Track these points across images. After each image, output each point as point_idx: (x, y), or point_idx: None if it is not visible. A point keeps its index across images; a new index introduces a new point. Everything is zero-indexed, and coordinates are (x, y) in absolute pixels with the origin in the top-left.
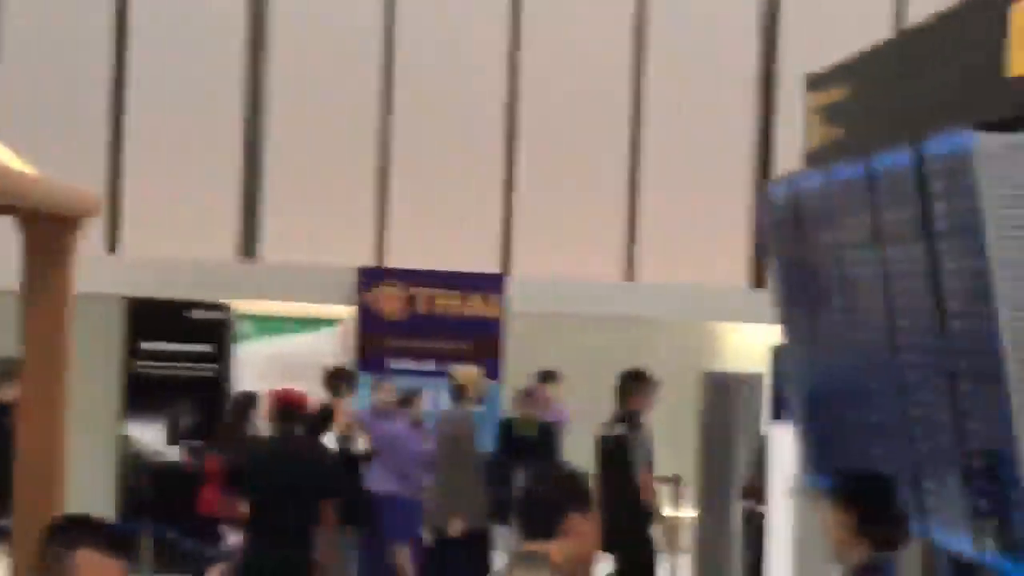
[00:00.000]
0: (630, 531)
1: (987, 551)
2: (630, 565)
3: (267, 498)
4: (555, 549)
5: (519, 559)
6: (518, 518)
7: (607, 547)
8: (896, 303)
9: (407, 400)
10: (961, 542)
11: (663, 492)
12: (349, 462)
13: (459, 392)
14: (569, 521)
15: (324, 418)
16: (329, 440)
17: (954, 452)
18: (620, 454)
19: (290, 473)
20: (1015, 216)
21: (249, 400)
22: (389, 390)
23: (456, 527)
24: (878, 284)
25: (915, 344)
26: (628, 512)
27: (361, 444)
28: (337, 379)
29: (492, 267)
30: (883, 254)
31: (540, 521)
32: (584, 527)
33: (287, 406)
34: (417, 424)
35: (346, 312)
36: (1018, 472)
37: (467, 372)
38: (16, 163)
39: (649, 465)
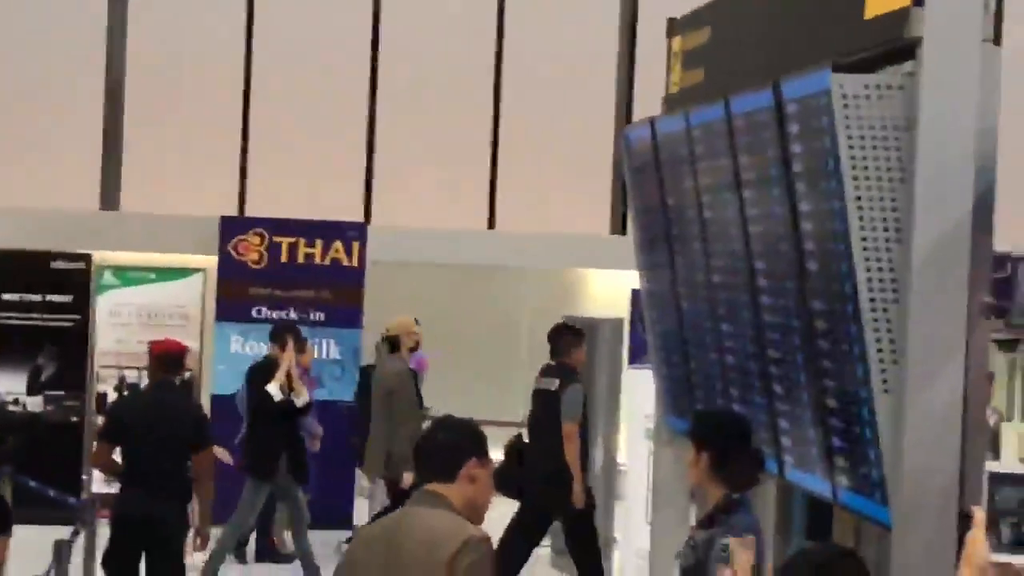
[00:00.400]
0: (563, 485)
1: (840, 490)
2: (571, 519)
3: (141, 448)
4: (454, 491)
5: (421, 498)
6: (419, 461)
7: (544, 502)
8: (754, 246)
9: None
10: (816, 481)
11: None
12: (291, 414)
13: (393, 343)
14: (468, 466)
15: (267, 369)
16: (273, 391)
17: (809, 392)
18: (553, 409)
19: (164, 424)
20: (871, 157)
21: None
22: None
23: (408, 479)
24: (737, 227)
25: (773, 286)
26: (560, 466)
27: (302, 397)
28: (283, 332)
29: (354, 216)
30: (742, 197)
31: (441, 464)
32: (481, 473)
33: (167, 355)
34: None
35: (208, 261)
36: (870, 411)
37: (400, 322)
38: None
39: (575, 419)
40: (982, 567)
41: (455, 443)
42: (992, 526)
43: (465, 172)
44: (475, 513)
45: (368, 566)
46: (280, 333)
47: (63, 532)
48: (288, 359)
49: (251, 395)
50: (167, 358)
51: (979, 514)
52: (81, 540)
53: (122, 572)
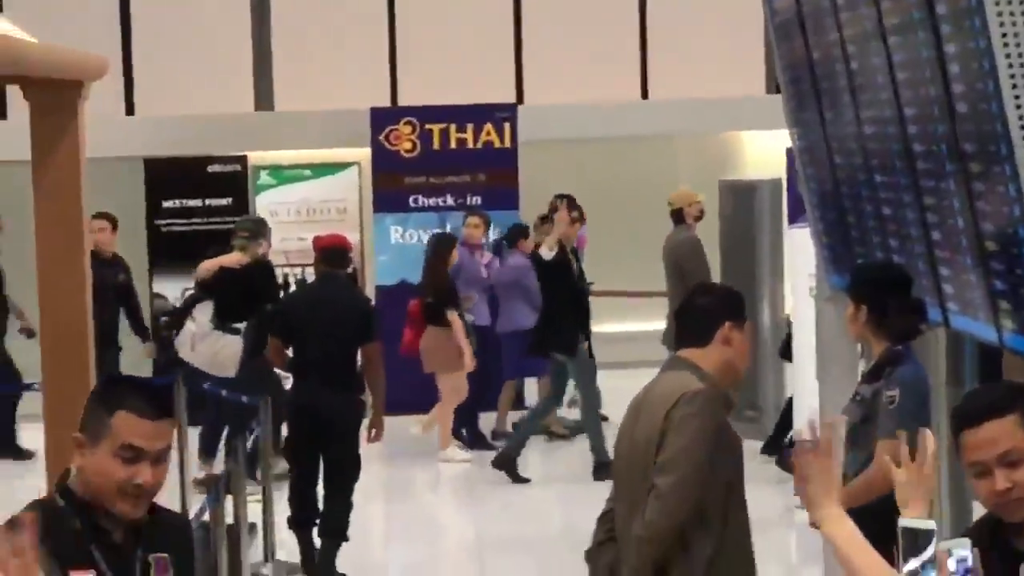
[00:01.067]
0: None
1: (1006, 333)
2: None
3: (310, 341)
4: (707, 354)
5: (670, 363)
6: (678, 328)
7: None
8: (903, 93)
9: (520, 234)
10: (981, 327)
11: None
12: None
13: (677, 215)
14: (723, 329)
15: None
16: (544, 253)
17: (968, 236)
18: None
19: (332, 317)
20: None
21: None
22: (477, 224)
23: None
24: (884, 76)
25: (924, 132)
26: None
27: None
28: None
29: (506, 98)
30: (887, 44)
31: (695, 329)
32: (736, 335)
33: (331, 249)
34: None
35: (362, 154)
36: None
37: (681, 193)
38: (16, 33)
39: None
40: None
41: (708, 307)
42: None
43: (614, 43)
44: (733, 374)
45: (624, 429)
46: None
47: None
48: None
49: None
50: (331, 252)
51: None
52: (257, 438)
53: (300, 462)
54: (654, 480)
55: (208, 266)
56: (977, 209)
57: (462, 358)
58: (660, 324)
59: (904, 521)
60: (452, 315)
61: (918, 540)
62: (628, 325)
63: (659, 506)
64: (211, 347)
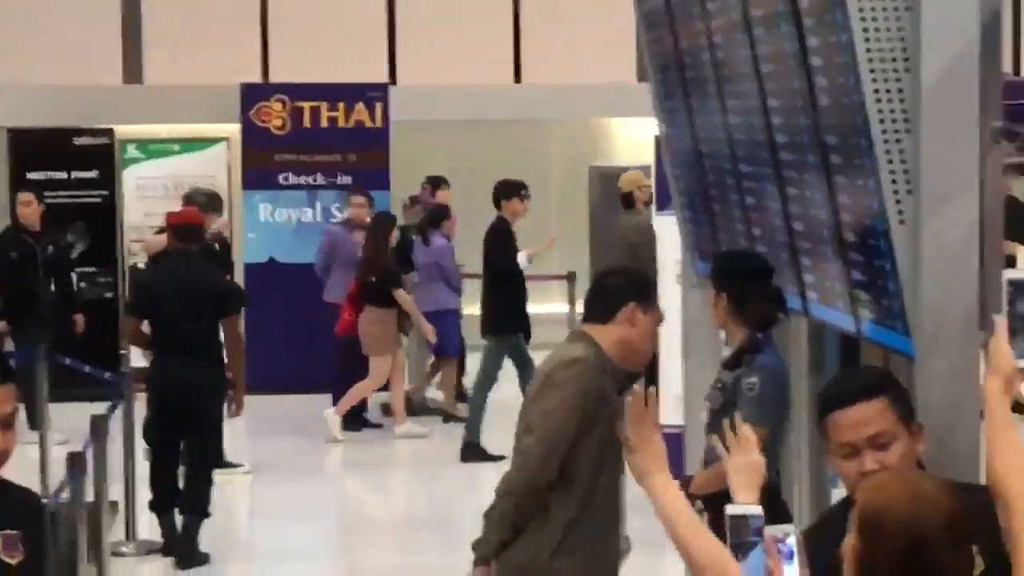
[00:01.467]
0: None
1: (864, 322)
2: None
3: (167, 318)
4: (607, 331)
5: (572, 336)
6: (585, 303)
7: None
8: (767, 84)
9: (443, 216)
10: (840, 316)
11: (559, 289)
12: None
13: (626, 199)
14: (627, 309)
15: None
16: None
17: (828, 227)
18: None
19: (188, 292)
20: None
21: None
22: (362, 203)
23: None
24: (749, 66)
25: (787, 124)
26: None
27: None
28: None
29: (377, 78)
30: (752, 36)
31: (599, 306)
32: (643, 318)
33: (182, 226)
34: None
35: (232, 130)
36: (888, 243)
37: (629, 177)
38: None
39: None
40: (1008, 373)
41: (616, 286)
42: (1015, 334)
43: (488, 26)
44: (632, 356)
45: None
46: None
47: (101, 408)
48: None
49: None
50: (183, 229)
51: (1001, 322)
52: (119, 414)
53: (162, 440)
54: (521, 437)
55: (153, 244)
56: (838, 201)
57: (397, 341)
58: (531, 307)
59: (731, 508)
60: (399, 293)
61: (745, 526)
62: None
63: (518, 462)
64: None
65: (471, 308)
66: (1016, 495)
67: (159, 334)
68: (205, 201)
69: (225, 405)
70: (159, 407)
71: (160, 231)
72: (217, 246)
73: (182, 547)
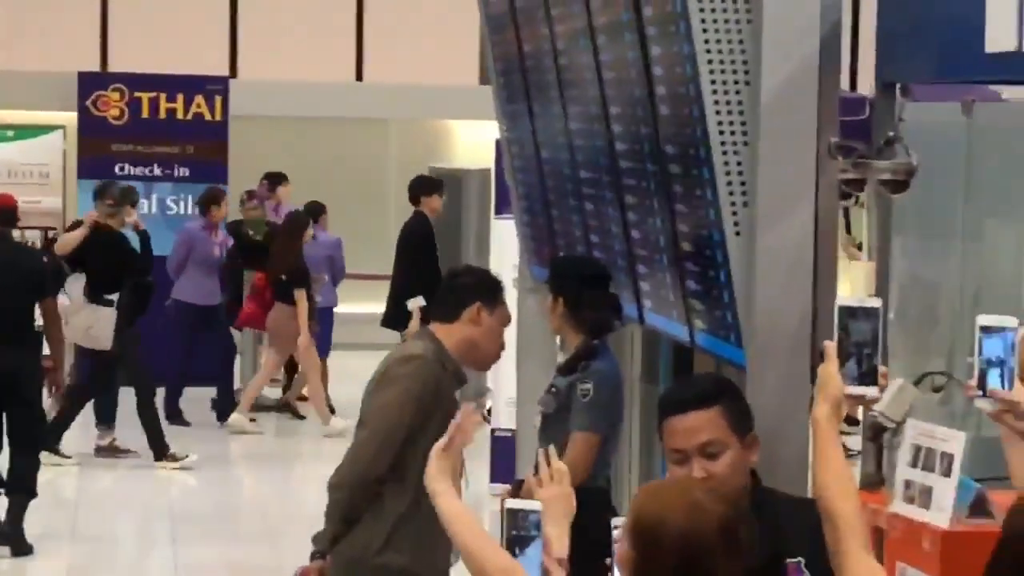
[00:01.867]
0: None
1: (697, 332)
2: None
3: None
4: (451, 331)
5: (417, 335)
6: (432, 302)
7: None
8: (609, 92)
9: (320, 211)
10: (674, 325)
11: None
12: None
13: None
14: (471, 309)
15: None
16: None
17: (665, 236)
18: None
19: (5, 274)
20: (714, 0)
21: None
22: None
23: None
24: (592, 73)
25: (627, 132)
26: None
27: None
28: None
29: (221, 72)
30: (595, 43)
31: (444, 305)
32: (487, 318)
33: (2, 209)
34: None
35: (68, 119)
36: (723, 254)
37: None
38: None
39: None
40: (836, 399)
41: (462, 286)
42: (846, 359)
43: (331, 23)
44: (476, 355)
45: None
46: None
47: None
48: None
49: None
50: (2, 211)
51: (830, 347)
52: None
53: None
54: (356, 431)
55: (70, 240)
56: (675, 210)
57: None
58: (365, 307)
59: (510, 502)
60: (299, 294)
61: (524, 520)
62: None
63: (350, 456)
64: (85, 320)
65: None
66: (844, 517)
67: None
68: (119, 194)
69: (45, 387)
70: None
71: (71, 227)
72: (139, 238)
73: (8, 530)
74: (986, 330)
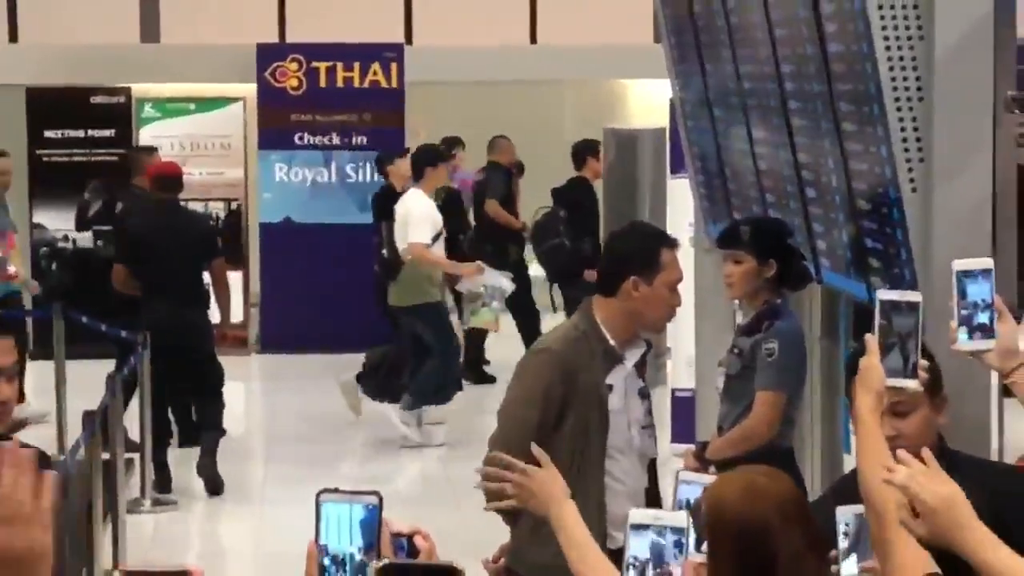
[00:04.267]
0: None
1: (876, 290)
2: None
3: (154, 263)
4: (609, 304)
5: (578, 310)
6: (596, 274)
7: None
8: (781, 50)
9: None
10: (851, 283)
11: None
12: None
13: None
14: (627, 284)
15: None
16: None
17: (841, 194)
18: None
19: (174, 238)
20: None
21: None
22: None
23: None
24: (763, 32)
25: (800, 90)
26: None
27: None
28: None
29: (396, 39)
30: (766, 1)
31: (603, 279)
32: (643, 290)
33: (162, 176)
34: None
35: (248, 90)
36: (900, 211)
37: None
38: None
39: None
40: (879, 391)
41: (617, 258)
42: (887, 351)
43: None
44: (641, 324)
45: None
46: None
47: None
48: None
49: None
50: (163, 179)
51: (871, 341)
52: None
53: (159, 376)
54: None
55: None
56: (850, 168)
57: None
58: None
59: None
60: None
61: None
62: None
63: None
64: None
65: None
66: (890, 507)
67: (147, 279)
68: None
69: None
70: (154, 345)
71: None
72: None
73: (204, 467)
74: (964, 274)
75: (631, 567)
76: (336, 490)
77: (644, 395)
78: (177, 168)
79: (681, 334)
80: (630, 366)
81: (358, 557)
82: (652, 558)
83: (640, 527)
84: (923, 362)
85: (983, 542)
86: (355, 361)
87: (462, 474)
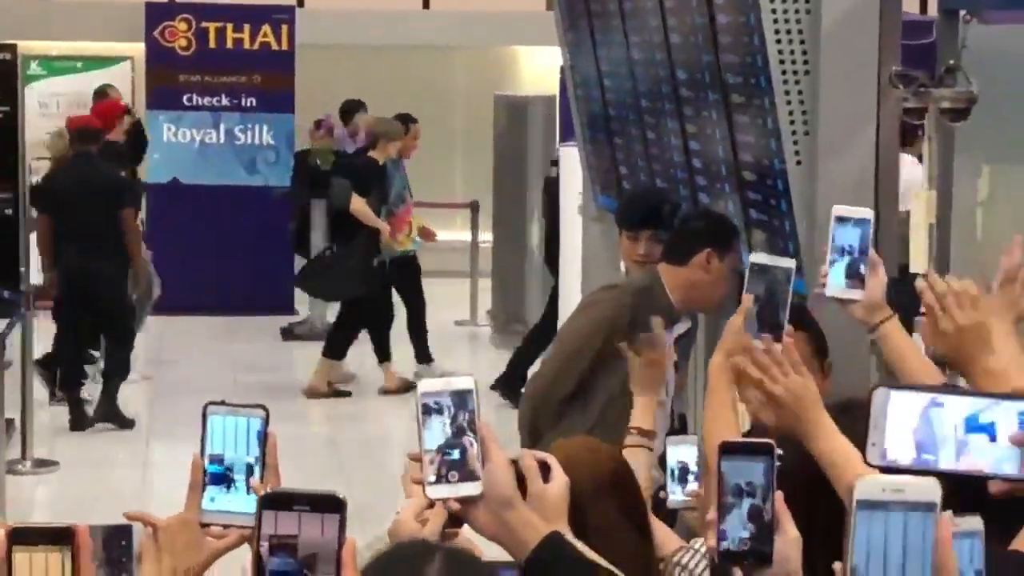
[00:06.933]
0: None
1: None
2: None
3: (68, 213)
4: (677, 273)
5: (644, 272)
6: (665, 244)
7: None
8: (670, 19)
9: None
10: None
11: (462, 218)
12: None
13: None
14: (702, 255)
15: None
16: None
17: (727, 165)
18: None
19: (88, 189)
20: None
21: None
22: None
23: None
24: (653, 2)
25: (689, 60)
26: None
27: None
28: None
29: (285, 0)
30: None
31: (676, 248)
32: (717, 266)
33: (83, 130)
34: None
35: (136, 49)
36: (784, 183)
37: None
38: None
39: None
40: (731, 350)
41: (694, 230)
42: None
43: None
44: (698, 299)
45: None
46: None
47: (0, 326)
48: None
49: None
50: (83, 132)
51: (747, 298)
52: (18, 331)
53: (69, 323)
54: (551, 347)
55: None
56: (736, 140)
57: None
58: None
59: None
60: None
61: None
62: None
63: (539, 369)
64: None
65: None
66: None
67: (63, 227)
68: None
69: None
70: (66, 292)
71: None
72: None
73: (105, 408)
74: (841, 220)
75: None
76: (223, 403)
77: (676, 368)
78: (94, 122)
79: (568, 301)
80: (675, 335)
81: (254, 466)
82: None
83: None
84: (788, 327)
85: (821, 432)
86: (245, 324)
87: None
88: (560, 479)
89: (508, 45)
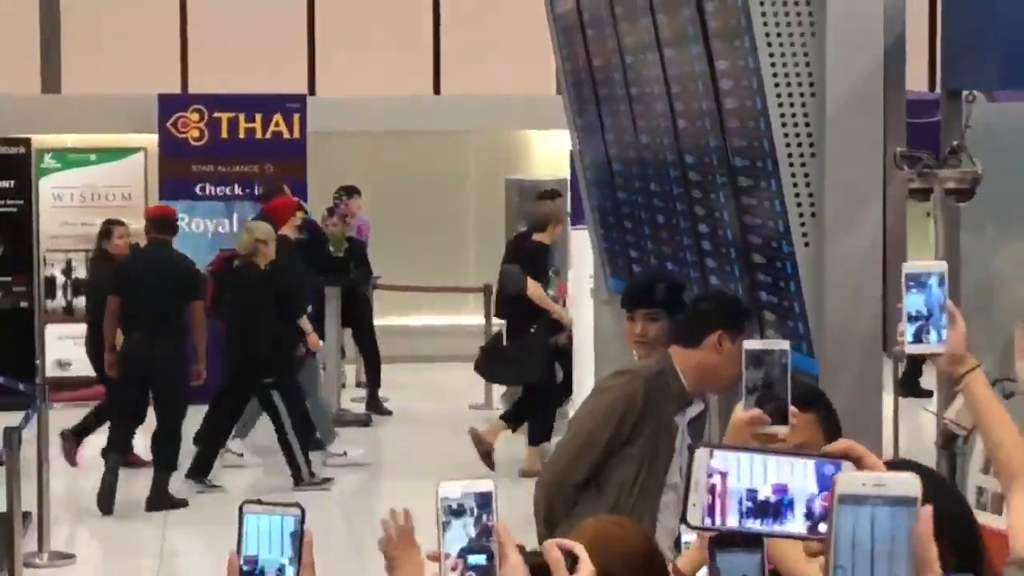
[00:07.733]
0: None
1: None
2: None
3: (138, 296)
4: (689, 355)
5: (656, 355)
6: (672, 326)
7: None
8: (677, 105)
9: None
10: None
11: (475, 301)
12: None
13: None
14: (713, 336)
15: None
16: None
17: (736, 248)
18: None
19: (159, 276)
20: (781, 12)
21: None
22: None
23: None
24: (660, 86)
25: (696, 144)
26: None
27: None
28: None
29: (299, 89)
30: (663, 56)
31: (687, 330)
32: (726, 345)
33: (157, 218)
34: None
35: (149, 140)
36: (793, 264)
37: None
38: None
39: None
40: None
41: (705, 312)
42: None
43: (408, 37)
44: (712, 380)
45: None
46: None
47: (15, 419)
48: None
49: None
50: (158, 221)
51: (737, 411)
52: (34, 425)
53: (126, 401)
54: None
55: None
56: (745, 222)
57: None
58: (447, 319)
59: None
60: None
61: None
62: (413, 319)
63: (552, 457)
64: None
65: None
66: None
67: (129, 310)
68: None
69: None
70: (126, 373)
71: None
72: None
73: (155, 497)
74: (912, 276)
75: None
76: (259, 502)
77: (691, 451)
78: (170, 212)
79: (582, 382)
80: (688, 418)
81: (286, 567)
82: None
83: None
84: (793, 408)
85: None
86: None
87: None
88: (587, 569)
89: (519, 129)
